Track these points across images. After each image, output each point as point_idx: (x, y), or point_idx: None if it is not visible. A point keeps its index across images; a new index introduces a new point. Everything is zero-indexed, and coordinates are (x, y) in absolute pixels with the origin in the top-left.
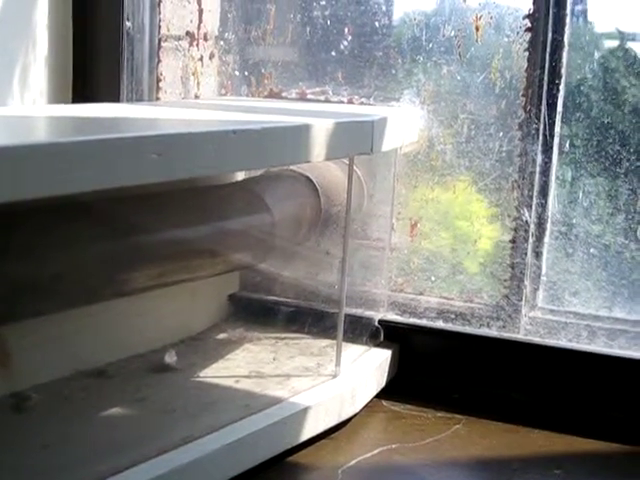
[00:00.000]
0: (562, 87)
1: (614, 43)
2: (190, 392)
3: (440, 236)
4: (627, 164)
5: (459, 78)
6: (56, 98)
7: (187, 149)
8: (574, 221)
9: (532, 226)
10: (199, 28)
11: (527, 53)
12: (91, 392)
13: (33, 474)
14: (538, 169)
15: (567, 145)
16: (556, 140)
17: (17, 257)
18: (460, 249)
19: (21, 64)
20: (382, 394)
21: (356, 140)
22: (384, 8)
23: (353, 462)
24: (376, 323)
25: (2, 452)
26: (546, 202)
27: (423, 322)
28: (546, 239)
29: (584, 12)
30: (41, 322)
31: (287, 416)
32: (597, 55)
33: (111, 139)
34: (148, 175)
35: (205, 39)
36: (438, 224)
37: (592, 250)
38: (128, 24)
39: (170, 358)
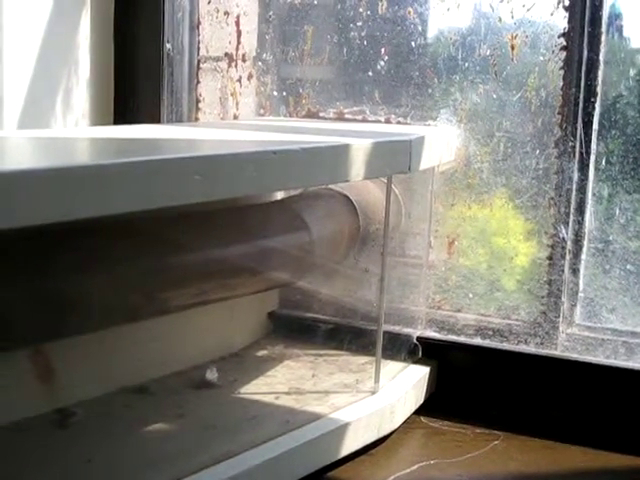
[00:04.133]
0: (598, 105)
1: None
2: (231, 408)
3: (477, 253)
4: None
5: (495, 97)
6: (98, 120)
7: (228, 170)
8: (611, 238)
9: (569, 243)
10: (237, 49)
11: (562, 71)
12: (133, 408)
13: None
14: (574, 186)
15: (603, 162)
16: (592, 157)
17: (61, 276)
18: (497, 266)
19: (64, 87)
20: (421, 410)
21: (394, 159)
22: (420, 28)
23: (391, 478)
24: (414, 340)
25: (47, 466)
26: (583, 219)
27: (461, 339)
28: (583, 256)
29: (620, 28)
30: (84, 340)
31: (326, 432)
32: (633, 71)
33: (153, 160)
34: (190, 196)
35: (243, 60)
36: (475, 242)
37: (629, 266)
38: (168, 46)
39: (211, 375)
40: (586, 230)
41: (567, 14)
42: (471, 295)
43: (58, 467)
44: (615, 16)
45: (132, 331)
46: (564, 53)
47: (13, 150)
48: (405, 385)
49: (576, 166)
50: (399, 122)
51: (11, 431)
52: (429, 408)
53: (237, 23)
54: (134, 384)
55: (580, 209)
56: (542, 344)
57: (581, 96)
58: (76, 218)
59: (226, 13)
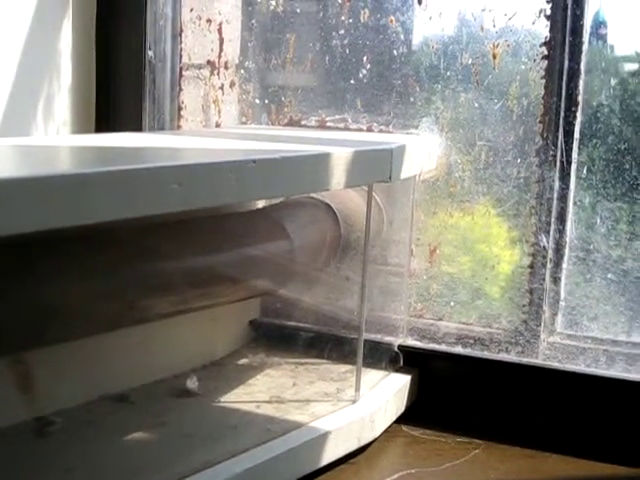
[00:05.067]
0: (579, 114)
1: (634, 66)
2: (211, 417)
3: (459, 262)
4: None
5: (477, 105)
6: (79, 128)
7: (207, 179)
8: (592, 246)
9: (550, 252)
10: (220, 57)
11: (544, 80)
12: (113, 417)
13: None
14: (556, 195)
15: (584, 171)
16: (573, 166)
17: (41, 284)
18: (478, 275)
19: (45, 94)
20: (401, 419)
21: (375, 168)
22: (402, 36)
23: None
24: (395, 348)
25: (26, 475)
26: (564, 228)
27: (442, 347)
28: (564, 264)
29: (603, 36)
30: (64, 348)
31: (307, 441)
32: (614, 80)
33: (133, 169)
34: (169, 205)
35: (226, 68)
36: (457, 250)
37: (610, 275)
38: (150, 53)
39: (192, 383)
40: (567, 239)
41: (548, 23)
42: (452, 303)
43: (37, 476)
44: (599, 24)
45: (113, 339)
46: (545, 62)
47: None
48: (386, 394)
49: (557, 175)
50: (381, 130)
51: None
52: (410, 417)
53: (219, 31)
54: (114, 392)
55: (561, 218)
56: (523, 353)
57: (562, 105)
58: (56, 227)
59: (208, 21)
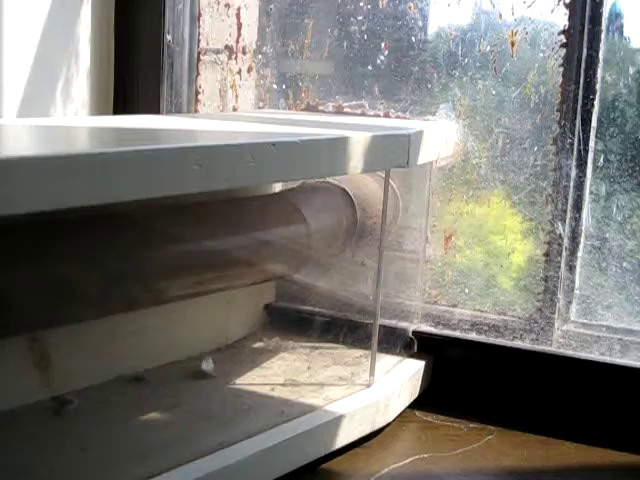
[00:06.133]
0: (597, 102)
1: None
2: (226, 399)
3: (474, 249)
4: None
5: (494, 93)
6: (98, 109)
7: (227, 160)
8: (608, 235)
9: (566, 240)
10: (238, 42)
11: (562, 68)
12: (129, 397)
13: (72, 475)
14: (572, 183)
15: (601, 160)
16: (590, 155)
17: (59, 264)
18: (494, 262)
19: (64, 76)
20: (415, 404)
21: (392, 153)
22: (420, 23)
23: (385, 470)
24: (410, 334)
25: (42, 454)
26: (580, 216)
27: (457, 334)
28: (579, 253)
29: (620, 27)
30: (81, 328)
31: (321, 424)
32: (632, 70)
33: (153, 150)
34: (189, 185)
35: (243, 53)
36: (472, 237)
37: (625, 264)
38: (168, 38)
39: (207, 365)
40: (583, 227)
41: (567, 11)
42: (467, 290)
43: (54, 455)
44: (615, 15)
45: (129, 320)
46: (564, 50)
47: (13, 138)
48: (400, 379)
49: (574, 163)
50: (398, 116)
51: (7, 418)
52: (424, 402)
53: (238, 15)
54: (130, 373)
55: (577, 206)
56: (537, 340)
57: (580, 93)
58: (75, 206)
59: (227, 5)
